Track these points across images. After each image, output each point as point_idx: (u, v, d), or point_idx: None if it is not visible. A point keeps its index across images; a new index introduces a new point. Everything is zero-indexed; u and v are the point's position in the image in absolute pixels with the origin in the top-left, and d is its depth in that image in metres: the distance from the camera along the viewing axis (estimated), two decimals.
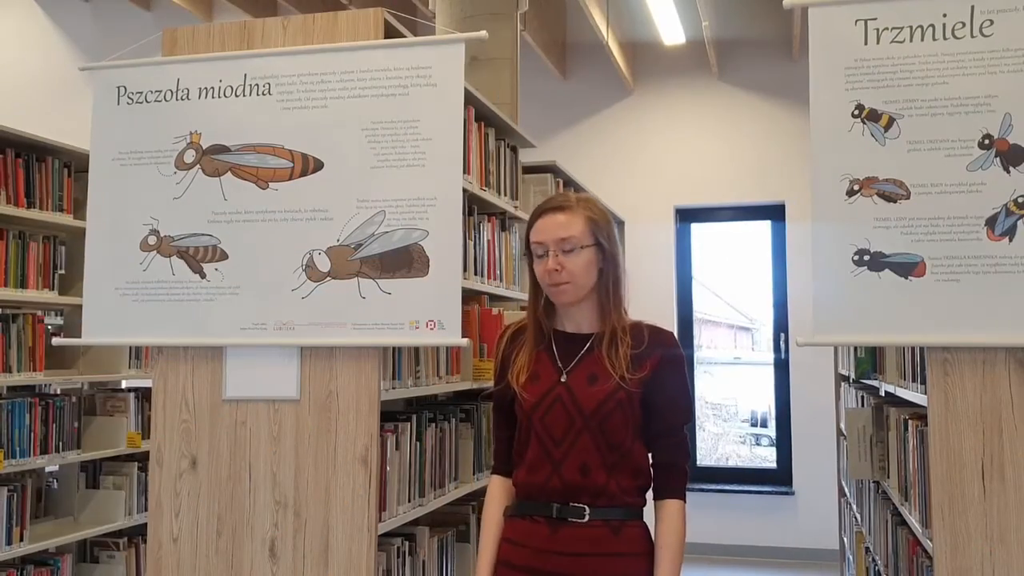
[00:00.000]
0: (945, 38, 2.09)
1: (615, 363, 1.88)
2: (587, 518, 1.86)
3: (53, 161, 3.85)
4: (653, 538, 1.91)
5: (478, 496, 3.13)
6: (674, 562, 1.86)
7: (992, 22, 2.06)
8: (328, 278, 2.37)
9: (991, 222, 2.03)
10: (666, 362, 1.92)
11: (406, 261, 2.33)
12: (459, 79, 2.36)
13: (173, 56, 2.59)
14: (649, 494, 1.94)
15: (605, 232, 1.94)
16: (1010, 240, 2.01)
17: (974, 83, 2.06)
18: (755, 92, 6.58)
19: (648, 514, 1.93)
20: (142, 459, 4.04)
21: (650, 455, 1.94)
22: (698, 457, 6.66)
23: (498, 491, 2.02)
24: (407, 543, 2.65)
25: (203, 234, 2.47)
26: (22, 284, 3.71)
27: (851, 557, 4.50)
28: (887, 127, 2.11)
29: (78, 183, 3.90)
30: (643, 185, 6.65)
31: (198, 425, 2.47)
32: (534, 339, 1.98)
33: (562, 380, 1.91)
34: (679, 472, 1.93)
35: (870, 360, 3.70)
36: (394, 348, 2.46)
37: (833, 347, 4.91)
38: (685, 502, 1.92)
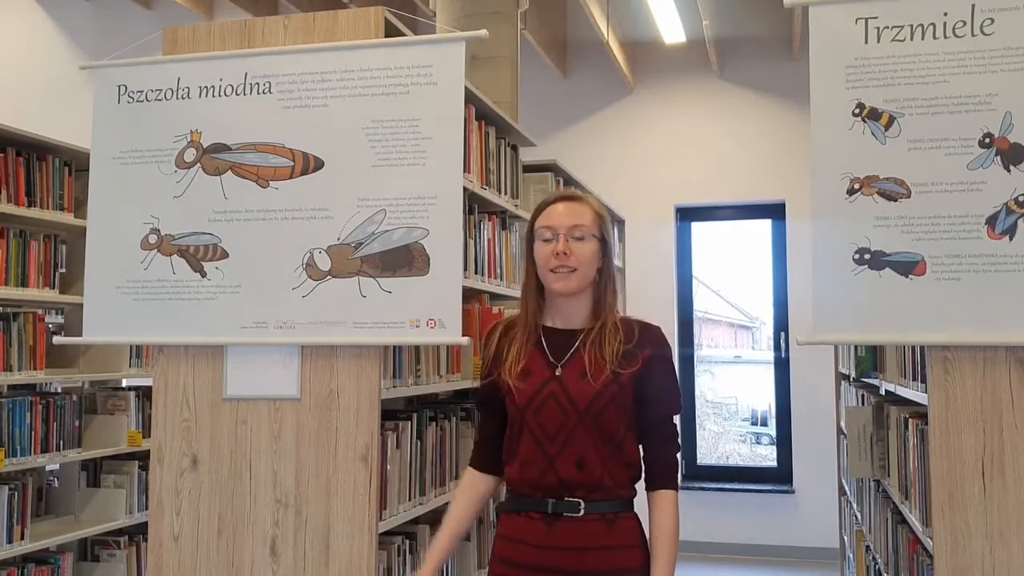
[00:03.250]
0: (946, 37, 2.09)
1: (608, 358, 1.89)
2: (582, 512, 1.88)
3: (54, 160, 3.85)
4: (646, 529, 1.93)
5: None
6: (671, 551, 1.89)
7: (993, 21, 2.06)
8: (329, 277, 2.37)
9: (991, 221, 2.03)
10: (657, 357, 1.95)
11: (406, 260, 2.33)
12: (459, 78, 2.36)
13: (174, 55, 2.59)
14: (641, 485, 1.96)
15: (608, 230, 1.99)
16: (1010, 239, 2.01)
17: (975, 82, 2.06)
18: (755, 91, 6.57)
19: (640, 505, 1.93)
20: (143, 458, 4.04)
21: (641, 447, 1.96)
22: (698, 456, 6.64)
23: (471, 480, 2.05)
24: (408, 541, 2.65)
25: (204, 233, 2.47)
26: (23, 283, 3.71)
27: (851, 555, 4.50)
28: (887, 126, 2.11)
29: (79, 182, 3.90)
30: (643, 184, 6.65)
31: (199, 424, 2.48)
32: (526, 334, 1.97)
33: (556, 375, 1.92)
34: (671, 462, 1.96)
35: (870, 359, 3.70)
36: (395, 347, 2.47)
37: (833, 346, 4.91)
38: (678, 492, 1.95)
